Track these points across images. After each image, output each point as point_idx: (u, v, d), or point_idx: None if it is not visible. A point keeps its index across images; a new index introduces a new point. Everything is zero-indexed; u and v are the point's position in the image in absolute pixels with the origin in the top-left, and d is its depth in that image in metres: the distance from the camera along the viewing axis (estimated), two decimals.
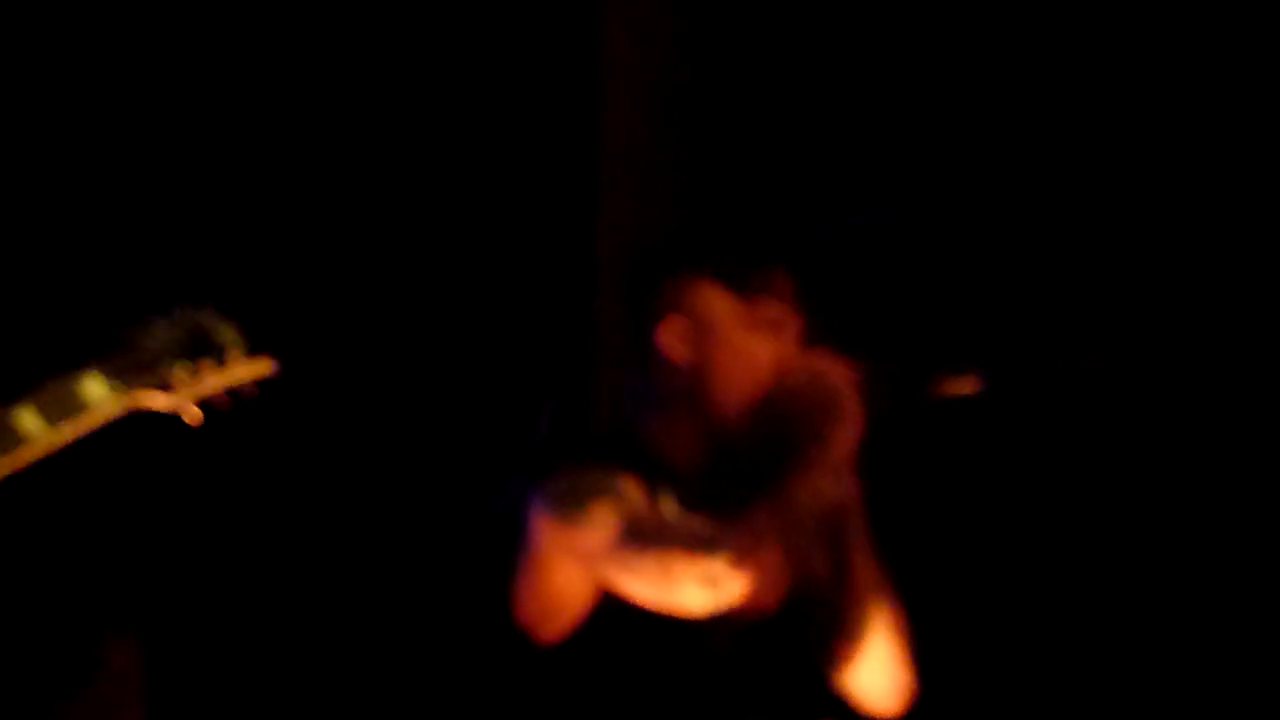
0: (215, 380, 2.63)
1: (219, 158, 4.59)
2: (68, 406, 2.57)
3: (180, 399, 2.63)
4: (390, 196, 4.79)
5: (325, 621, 4.52)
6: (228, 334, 2.65)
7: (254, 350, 2.65)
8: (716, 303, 3.13)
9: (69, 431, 2.58)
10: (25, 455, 2.58)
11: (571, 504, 3.02)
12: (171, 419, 2.62)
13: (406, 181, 4.82)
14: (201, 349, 2.63)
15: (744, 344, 3.12)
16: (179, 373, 2.62)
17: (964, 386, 3.09)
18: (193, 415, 2.63)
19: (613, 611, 3.00)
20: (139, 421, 2.63)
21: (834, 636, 3.09)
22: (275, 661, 4.46)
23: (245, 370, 2.65)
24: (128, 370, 2.62)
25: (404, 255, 4.80)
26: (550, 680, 3.07)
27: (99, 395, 2.59)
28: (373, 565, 4.67)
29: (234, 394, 2.64)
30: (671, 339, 3.10)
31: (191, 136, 4.55)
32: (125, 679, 2.72)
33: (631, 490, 3.03)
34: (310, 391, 4.24)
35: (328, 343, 4.53)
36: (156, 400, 2.61)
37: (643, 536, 2.98)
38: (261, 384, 2.65)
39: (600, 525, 2.99)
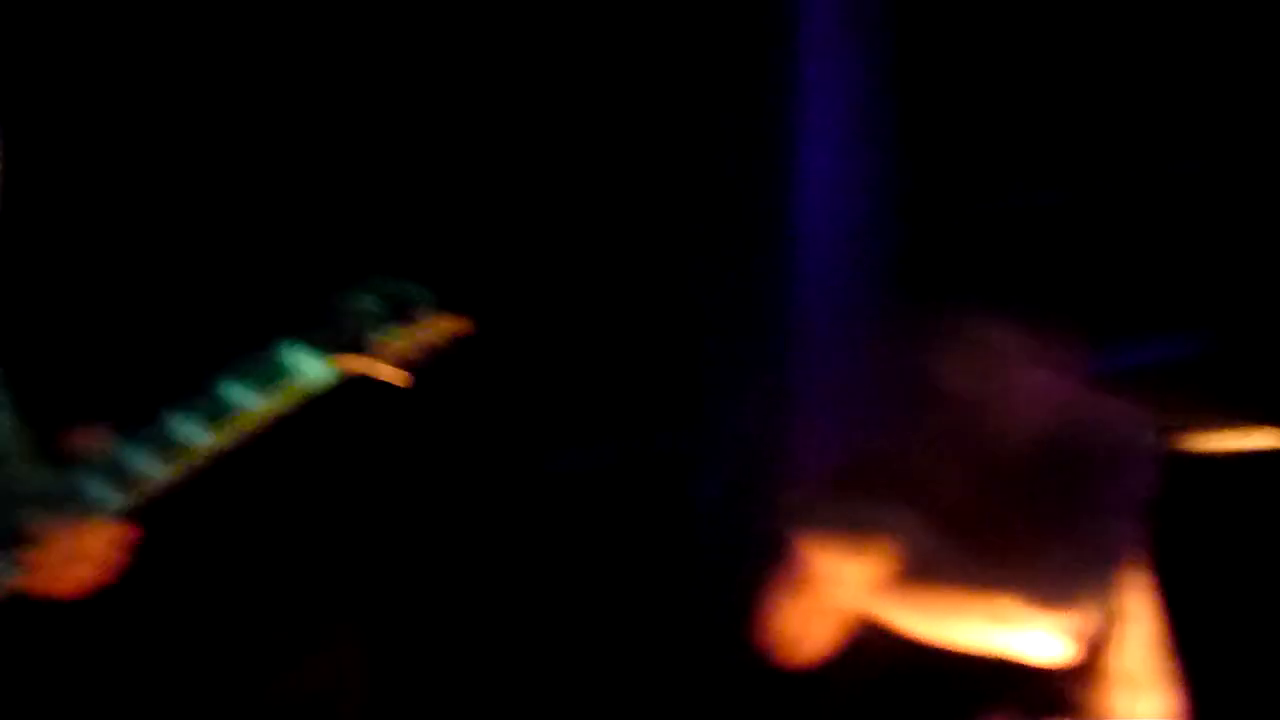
0: (416, 342, 2.67)
1: (420, 131, 4.64)
2: (275, 377, 2.62)
3: (384, 363, 2.67)
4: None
5: (532, 602, 4.47)
6: (425, 297, 2.69)
7: (448, 312, 2.68)
8: (999, 335, 3.02)
9: (279, 403, 2.62)
10: (239, 428, 2.62)
11: (850, 534, 2.94)
12: (378, 385, 2.66)
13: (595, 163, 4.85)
14: (400, 313, 2.67)
15: (1027, 378, 3.02)
16: (381, 338, 2.66)
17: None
18: (399, 378, 2.66)
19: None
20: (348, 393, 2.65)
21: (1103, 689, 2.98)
22: (482, 636, 4.45)
23: (443, 329, 2.68)
24: (331, 338, 2.66)
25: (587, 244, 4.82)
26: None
27: (304, 364, 2.63)
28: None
29: (434, 354, 2.67)
30: (950, 371, 3.01)
31: (390, 119, 4.61)
32: (349, 649, 2.68)
33: (904, 522, 2.95)
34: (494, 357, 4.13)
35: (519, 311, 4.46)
36: (362, 366, 2.65)
37: (941, 574, 2.90)
38: (458, 342, 2.67)
39: (883, 557, 2.91)
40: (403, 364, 2.67)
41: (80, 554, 2.55)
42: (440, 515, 4.51)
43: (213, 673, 2.66)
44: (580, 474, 4.70)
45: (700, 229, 4.67)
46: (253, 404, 2.62)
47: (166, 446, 2.58)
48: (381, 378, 2.66)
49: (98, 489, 2.56)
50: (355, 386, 2.66)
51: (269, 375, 2.63)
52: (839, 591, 2.95)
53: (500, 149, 4.88)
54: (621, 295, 4.90)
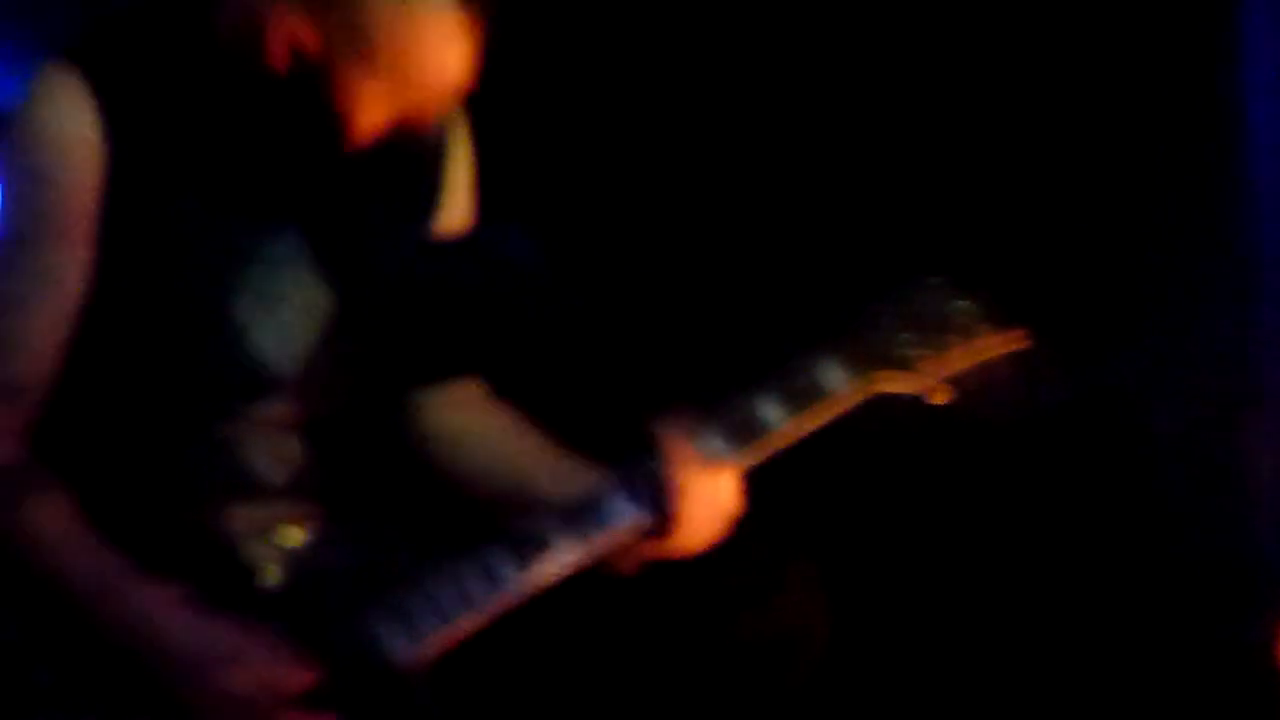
0: (962, 357, 2.58)
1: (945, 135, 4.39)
2: (808, 396, 2.56)
3: (924, 380, 2.58)
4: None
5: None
6: (971, 307, 2.60)
7: (1004, 322, 2.58)
8: None
9: (811, 422, 2.56)
10: (771, 446, 2.58)
11: None
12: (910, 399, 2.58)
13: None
14: (944, 325, 2.59)
15: None
16: (921, 351, 2.58)
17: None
18: (940, 395, 2.58)
19: None
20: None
21: None
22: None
23: (994, 344, 2.59)
24: (865, 354, 2.59)
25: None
26: None
27: (838, 382, 2.57)
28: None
29: (985, 370, 2.58)
30: None
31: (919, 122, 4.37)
32: (810, 590, 2.64)
33: None
34: None
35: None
36: (898, 383, 2.58)
37: None
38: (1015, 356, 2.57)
39: None
40: (948, 382, 2.58)
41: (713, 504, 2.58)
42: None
43: (678, 616, 2.63)
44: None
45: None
46: (780, 422, 2.57)
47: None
48: (918, 395, 2.58)
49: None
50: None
51: (800, 392, 2.57)
52: None
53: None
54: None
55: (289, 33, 2.52)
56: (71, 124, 2.56)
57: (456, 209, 2.87)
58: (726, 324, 4.20)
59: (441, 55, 2.53)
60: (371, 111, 2.55)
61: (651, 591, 2.69)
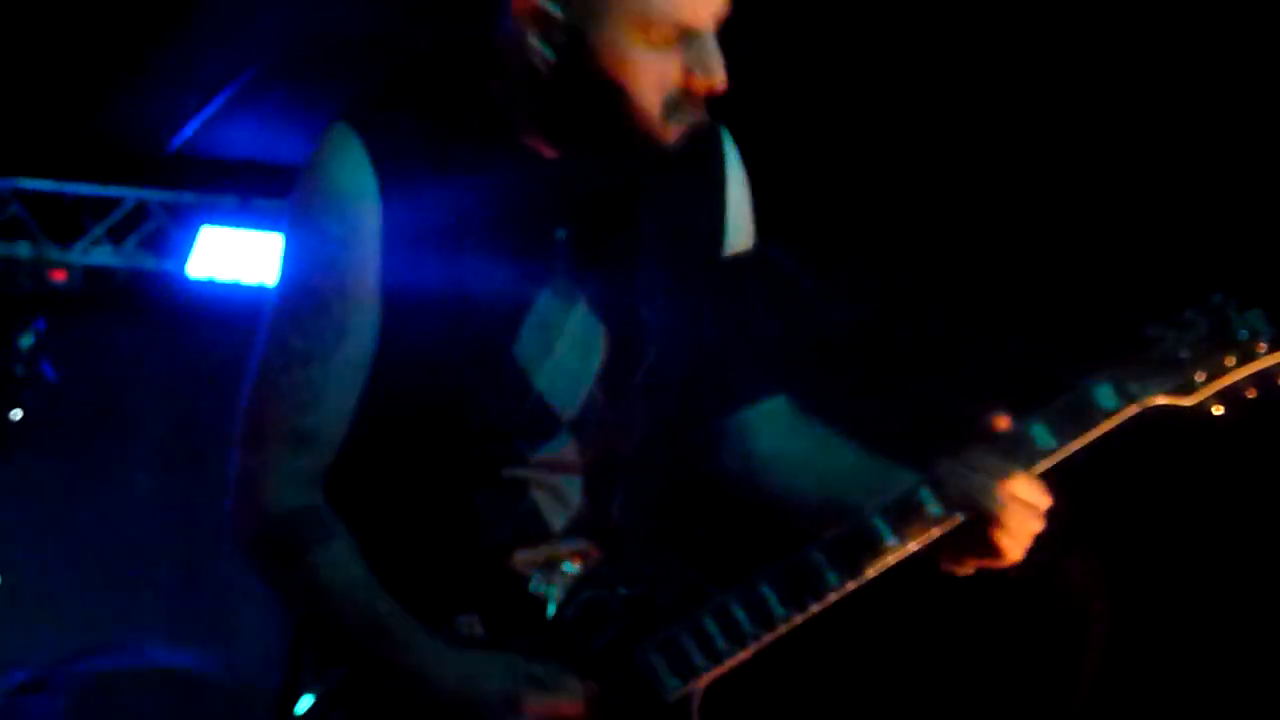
0: (1239, 374, 2.57)
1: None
2: (1081, 418, 2.58)
3: (1202, 397, 2.58)
4: None
5: None
6: (1251, 324, 2.58)
7: None
8: None
9: (1080, 443, 2.58)
10: (1038, 468, 2.61)
11: None
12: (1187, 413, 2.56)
13: None
14: (1223, 344, 2.57)
15: None
16: (1201, 371, 2.57)
17: None
18: (1215, 408, 2.58)
19: None
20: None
21: None
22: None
23: (1272, 360, 2.58)
24: (1143, 374, 2.59)
25: None
26: None
27: (1112, 405, 2.58)
28: None
29: (1264, 386, 2.56)
30: None
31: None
32: (1089, 591, 2.71)
33: None
34: None
35: None
36: (1174, 401, 2.58)
37: None
38: None
39: None
40: (1225, 396, 2.57)
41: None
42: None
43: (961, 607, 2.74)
44: None
45: None
46: (1054, 446, 2.59)
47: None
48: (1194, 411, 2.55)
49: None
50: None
51: (1074, 416, 2.59)
52: None
53: None
54: None
55: (538, 18, 2.58)
56: (353, 180, 2.64)
57: (740, 231, 2.89)
58: (1013, 340, 4.16)
59: None
60: (643, 82, 2.57)
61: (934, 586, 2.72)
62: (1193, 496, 4.44)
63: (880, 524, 2.62)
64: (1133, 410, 2.60)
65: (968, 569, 2.68)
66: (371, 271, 2.67)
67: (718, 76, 2.61)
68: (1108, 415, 2.59)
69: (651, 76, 2.59)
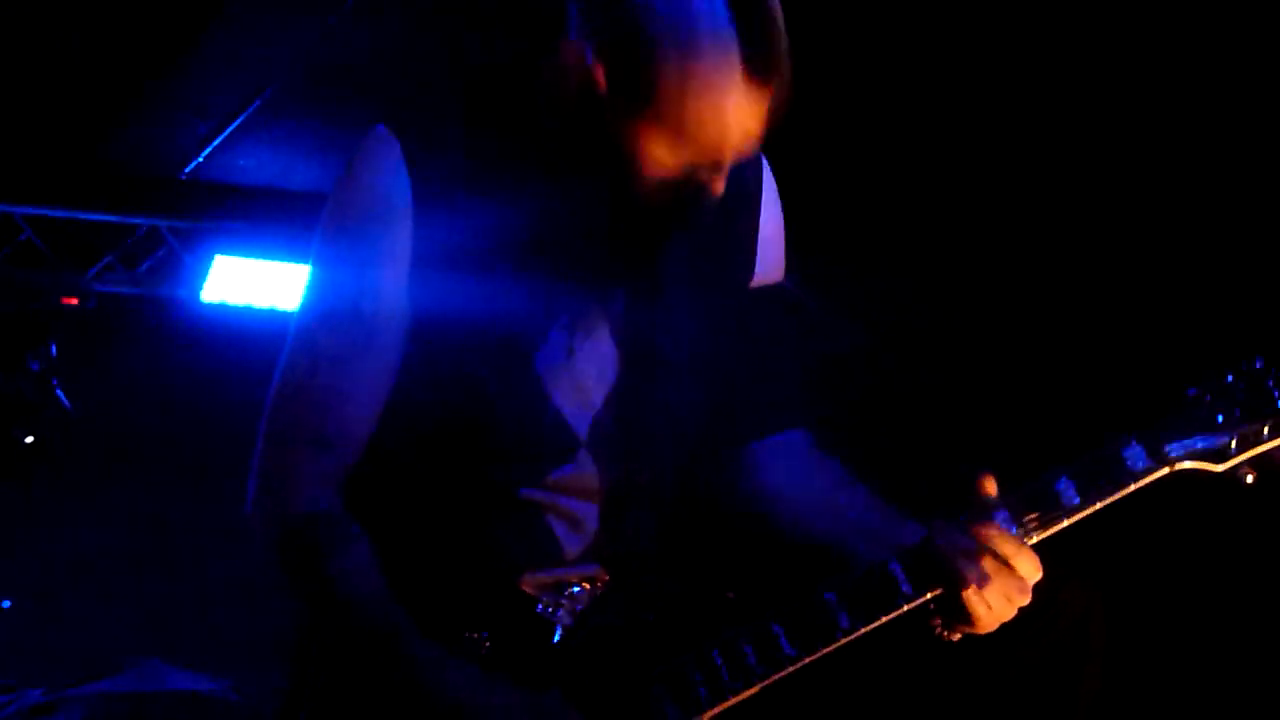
0: (1276, 443, 2.54)
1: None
2: (1108, 477, 2.56)
3: (1232, 464, 2.55)
4: None
5: None
6: None
7: None
8: None
9: (1104, 503, 2.57)
10: (1057, 526, 2.60)
11: None
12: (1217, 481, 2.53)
13: None
14: (1265, 411, 2.53)
15: None
16: (1235, 438, 2.54)
17: None
18: (1247, 476, 2.54)
19: None
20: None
21: None
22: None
23: None
24: (1176, 436, 2.56)
25: None
26: None
27: (1141, 466, 2.56)
28: None
29: None
30: None
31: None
32: (1086, 625, 2.71)
33: None
34: None
35: None
36: (1205, 467, 2.55)
37: None
38: None
39: None
40: (1260, 471, 2.53)
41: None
42: None
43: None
44: None
45: None
46: (1076, 504, 2.57)
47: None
48: (1225, 477, 2.52)
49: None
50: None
51: (1101, 473, 2.55)
52: None
53: None
54: None
55: (582, 70, 2.60)
56: (387, 188, 2.67)
57: (770, 264, 2.91)
58: (1039, 397, 4.13)
59: (723, 117, 2.56)
60: (654, 161, 2.60)
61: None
62: (1194, 527, 4.43)
63: (896, 571, 2.62)
64: (1162, 473, 2.59)
65: (954, 634, 2.66)
66: (401, 280, 2.70)
67: (715, 189, 2.64)
68: (1136, 477, 2.58)
69: (655, 167, 2.61)
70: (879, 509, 2.78)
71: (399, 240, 2.69)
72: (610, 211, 2.67)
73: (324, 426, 2.71)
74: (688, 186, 2.63)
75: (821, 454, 2.89)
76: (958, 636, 2.65)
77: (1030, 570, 2.58)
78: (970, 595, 2.56)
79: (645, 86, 2.56)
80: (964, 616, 2.60)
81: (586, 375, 2.77)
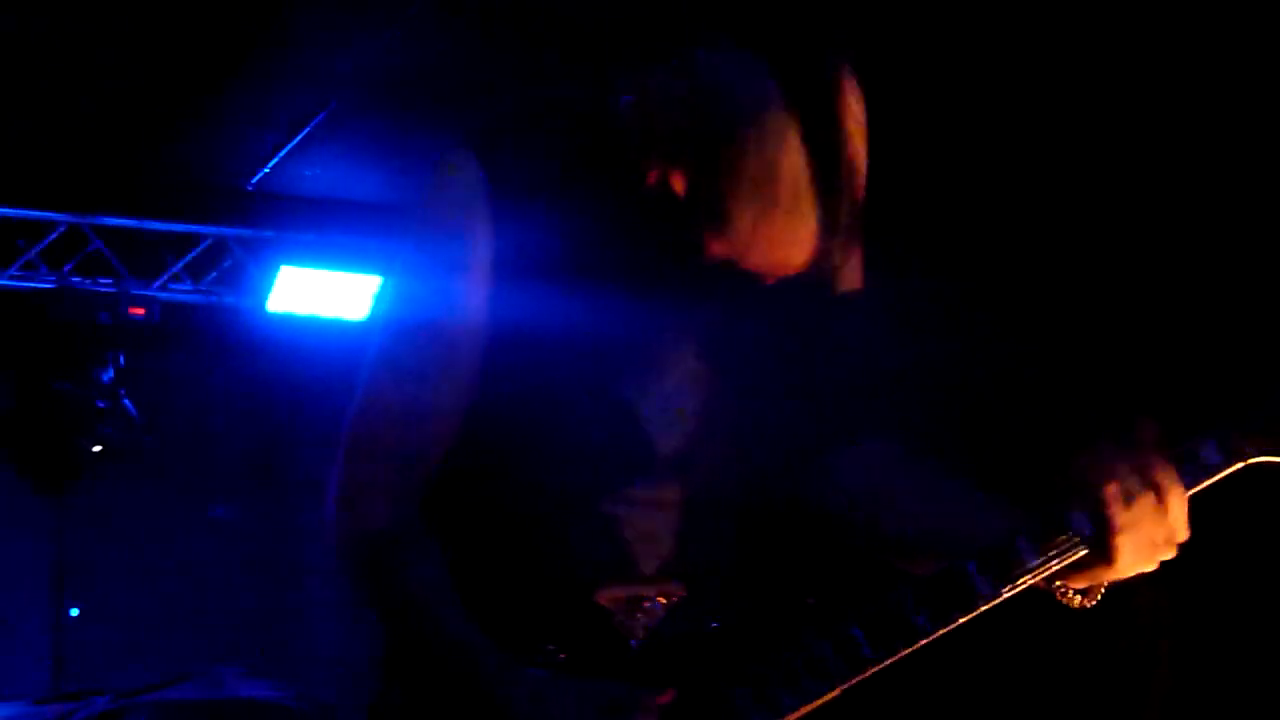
0: None
1: None
2: (1191, 469, 2.56)
3: None
4: None
5: None
6: None
7: None
8: None
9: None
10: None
11: None
12: None
13: None
14: None
15: None
16: None
17: None
18: None
19: None
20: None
21: None
22: None
23: None
24: (1250, 432, 2.58)
25: None
26: None
27: (1216, 460, 2.57)
28: None
29: None
30: None
31: None
32: (1156, 623, 2.70)
33: None
34: None
35: None
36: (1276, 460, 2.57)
37: None
38: None
39: None
40: None
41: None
42: None
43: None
44: None
45: None
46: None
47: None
48: None
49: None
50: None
51: (1182, 467, 2.54)
52: None
53: None
54: None
55: (661, 173, 2.60)
56: (467, 203, 2.67)
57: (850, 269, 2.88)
58: (1124, 399, 4.10)
59: (793, 250, 2.58)
60: (718, 256, 2.60)
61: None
62: (1265, 531, 4.42)
63: (973, 571, 2.59)
64: (1235, 467, 2.58)
65: (1091, 594, 2.64)
66: (481, 295, 2.69)
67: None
68: (1211, 472, 2.57)
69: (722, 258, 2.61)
70: (981, 500, 2.74)
71: (479, 255, 2.68)
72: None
73: (403, 441, 2.71)
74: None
75: (914, 454, 2.86)
76: (1083, 600, 2.63)
77: (1179, 511, 2.57)
78: (1116, 513, 2.54)
79: (724, 215, 2.56)
80: (1104, 553, 2.56)
81: (667, 388, 2.75)
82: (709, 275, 2.63)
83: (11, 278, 8.63)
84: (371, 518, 2.70)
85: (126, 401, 8.71)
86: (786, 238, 2.56)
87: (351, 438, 2.74)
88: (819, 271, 2.64)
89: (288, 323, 9.05)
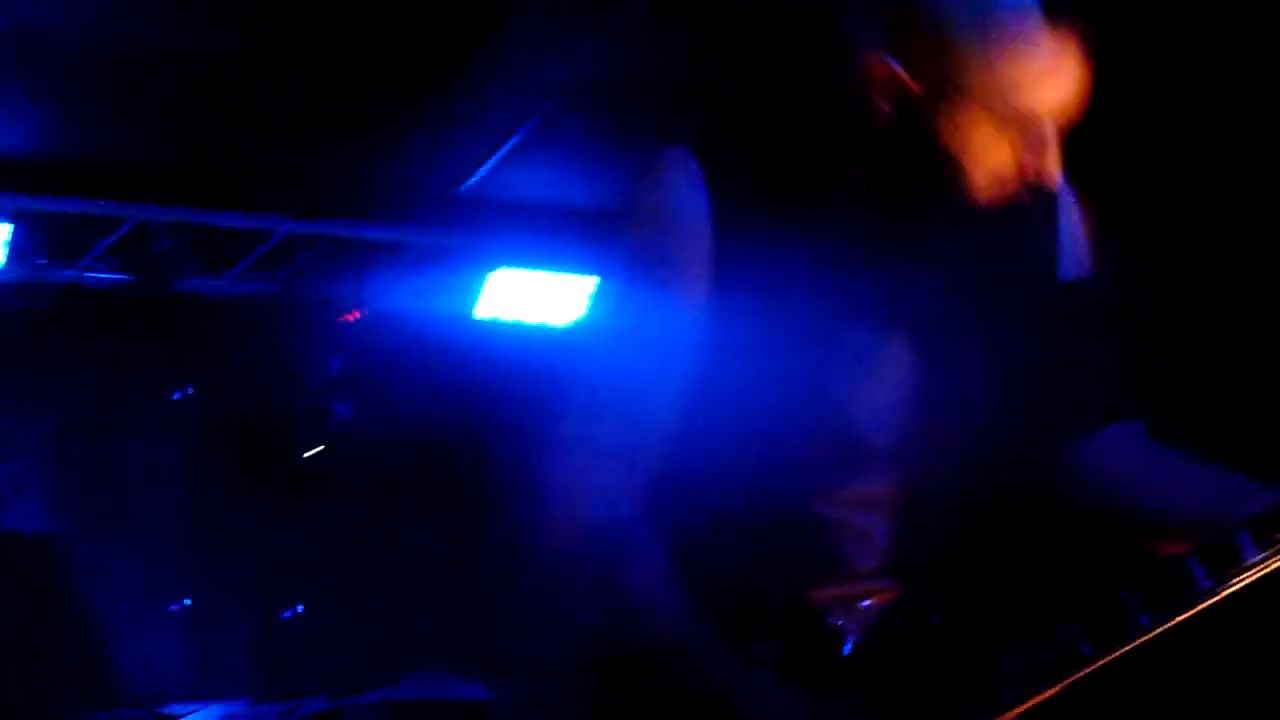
0: None
1: None
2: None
3: None
4: None
5: None
6: None
7: None
8: None
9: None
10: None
11: None
12: None
13: None
14: None
15: None
16: None
17: None
18: None
19: None
20: None
21: None
22: None
23: None
24: None
25: None
26: None
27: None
28: None
29: None
30: None
31: None
32: None
33: None
34: None
35: None
36: None
37: None
38: None
39: None
40: None
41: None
42: None
43: None
44: None
45: None
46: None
47: None
48: None
49: None
50: None
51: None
52: None
53: None
54: None
55: (889, 79, 2.61)
56: (686, 208, 2.68)
57: (1075, 257, 2.88)
58: None
59: (1037, 85, 2.57)
60: (985, 154, 2.61)
61: None
62: None
63: (1195, 566, 2.57)
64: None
65: None
66: (700, 299, 2.71)
67: (1048, 169, 2.64)
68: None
69: (985, 156, 2.62)
70: (1234, 481, 2.71)
71: (698, 260, 2.69)
72: (918, 218, 2.68)
73: (625, 438, 2.72)
74: (1019, 177, 2.63)
75: (1158, 440, 2.84)
76: None
77: None
78: None
79: (957, 74, 2.57)
80: None
81: (884, 385, 2.75)
82: (935, 226, 2.64)
83: (232, 281, 8.80)
84: (593, 512, 2.72)
85: (340, 405, 8.83)
86: (1025, 65, 2.56)
87: (571, 434, 2.76)
88: (1030, 196, 2.65)
89: (494, 329, 9.14)
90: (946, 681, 2.61)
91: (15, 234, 8.24)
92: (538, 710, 6.44)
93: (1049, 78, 2.58)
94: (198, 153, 8.16)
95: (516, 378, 8.82)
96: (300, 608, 8.77)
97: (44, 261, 8.50)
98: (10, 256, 8.28)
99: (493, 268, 9.03)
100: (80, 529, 8.56)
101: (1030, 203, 2.71)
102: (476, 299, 9.07)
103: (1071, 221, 2.88)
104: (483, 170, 8.40)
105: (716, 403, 2.73)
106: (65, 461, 9.01)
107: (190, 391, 9.08)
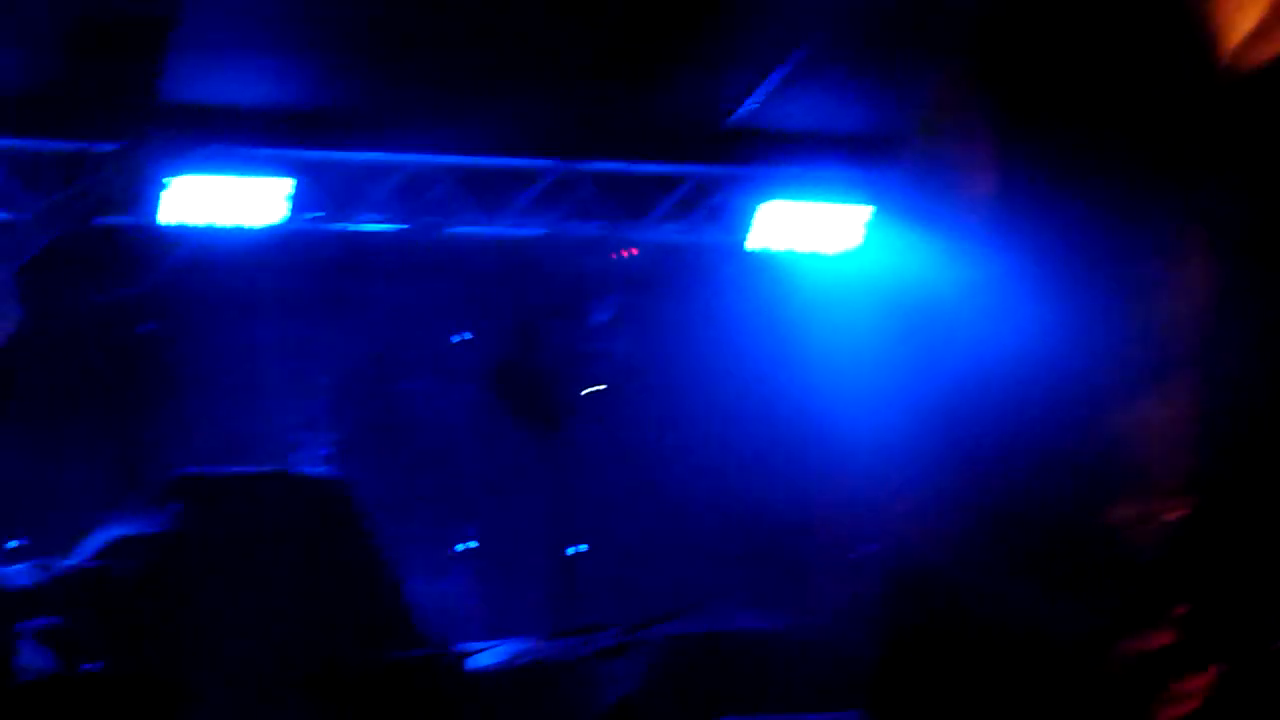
0: None
1: None
2: None
3: None
4: None
5: None
6: None
7: None
8: None
9: None
10: None
11: None
12: None
13: None
14: None
15: None
16: None
17: None
18: None
19: None
20: None
21: None
22: None
23: None
24: None
25: None
26: None
27: None
28: None
29: None
30: None
31: None
32: None
33: None
34: None
35: None
36: None
37: None
38: None
39: None
40: None
41: None
42: None
43: None
44: None
45: None
46: None
47: None
48: None
49: None
50: None
51: None
52: None
53: None
54: None
55: None
56: (966, 130, 2.64)
57: None
58: None
59: None
60: (1237, 32, 2.51)
61: None
62: None
63: None
64: None
65: None
66: (984, 232, 2.66)
67: None
68: None
69: (1244, 47, 2.50)
70: None
71: (980, 185, 2.64)
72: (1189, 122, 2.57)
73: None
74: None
75: None
76: None
77: None
78: None
79: None
80: None
81: (1180, 302, 2.63)
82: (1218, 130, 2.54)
83: (505, 225, 8.91)
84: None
85: (617, 343, 8.90)
86: None
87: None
88: None
89: (766, 260, 9.14)
90: (1241, 600, 2.57)
91: (297, 187, 8.43)
92: (827, 639, 6.43)
93: None
94: (467, 100, 8.25)
95: (785, 311, 8.85)
96: (585, 546, 8.87)
97: (323, 213, 8.69)
98: (293, 209, 8.48)
99: (764, 199, 9.03)
100: (367, 472, 8.72)
101: None
102: (748, 231, 9.08)
103: None
104: (751, 102, 8.39)
105: (1010, 330, 2.67)
106: (351, 406, 9.21)
107: (469, 336, 9.21)
